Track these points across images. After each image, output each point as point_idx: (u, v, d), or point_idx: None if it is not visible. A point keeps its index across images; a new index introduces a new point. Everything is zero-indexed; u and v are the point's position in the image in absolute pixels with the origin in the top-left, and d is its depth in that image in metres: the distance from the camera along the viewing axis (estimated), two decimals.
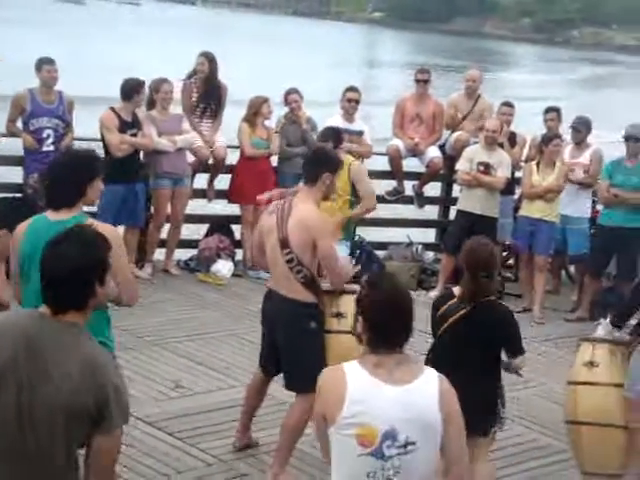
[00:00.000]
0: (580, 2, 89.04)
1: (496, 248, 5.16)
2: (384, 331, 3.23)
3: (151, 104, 9.15)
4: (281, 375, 5.67)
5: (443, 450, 3.24)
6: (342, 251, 8.02)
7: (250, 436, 5.90)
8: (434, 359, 5.01)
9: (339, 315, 5.58)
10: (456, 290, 5.04)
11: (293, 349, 5.42)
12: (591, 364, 5.47)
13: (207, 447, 5.85)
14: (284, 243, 5.34)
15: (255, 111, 9.50)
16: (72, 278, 3.07)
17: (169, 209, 9.27)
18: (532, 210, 9.36)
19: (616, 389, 5.39)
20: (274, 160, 9.81)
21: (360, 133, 9.89)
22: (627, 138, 9.14)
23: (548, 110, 10.11)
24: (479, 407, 4.94)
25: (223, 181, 9.94)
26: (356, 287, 5.84)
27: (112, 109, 8.76)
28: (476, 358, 4.95)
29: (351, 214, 7.86)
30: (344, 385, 3.20)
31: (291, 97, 9.78)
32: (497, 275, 5.12)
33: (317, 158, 5.64)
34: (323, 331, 5.49)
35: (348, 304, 5.57)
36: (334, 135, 7.60)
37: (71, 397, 3.01)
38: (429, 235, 11.28)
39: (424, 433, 3.18)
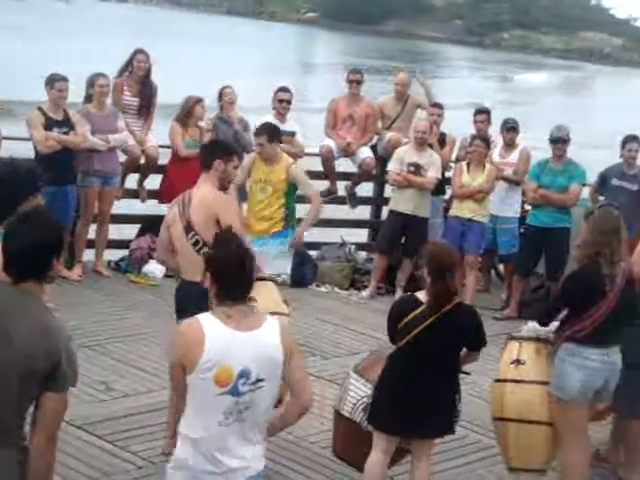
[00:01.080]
0: (509, 6, 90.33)
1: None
2: (230, 286, 3.70)
3: (88, 99, 9.07)
4: None
5: (288, 381, 3.78)
6: (280, 245, 8.22)
7: None
8: (397, 365, 5.04)
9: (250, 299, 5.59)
10: (421, 296, 5.06)
11: None
12: (518, 362, 5.56)
13: (138, 450, 5.81)
14: (188, 228, 5.45)
15: (188, 111, 9.47)
16: (34, 251, 3.40)
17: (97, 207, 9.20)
18: (462, 210, 9.48)
19: (542, 386, 5.49)
20: None
21: (292, 134, 9.92)
22: (552, 140, 9.33)
23: (478, 112, 10.25)
24: (448, 410, 5.03)
25: (156, 181, 9.87)
26: (267, 274, 5.96)
27: (39, 108, 8.67)
28: (445, 361, 5.02)
29: (309, 222, 8.40)
30: (202, 334, 3.63)
31: (226, 91, 9.76)
32: None
33: (209, 147, 6.05)
34: None
35: (260, 289, 5.60)
36: (268, 130, 7.72)
37: (27, 359, 3.28)
38: (362, 235, 11.36)
39: (271, 370, 3.69)
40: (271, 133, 7.78)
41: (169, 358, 3.92)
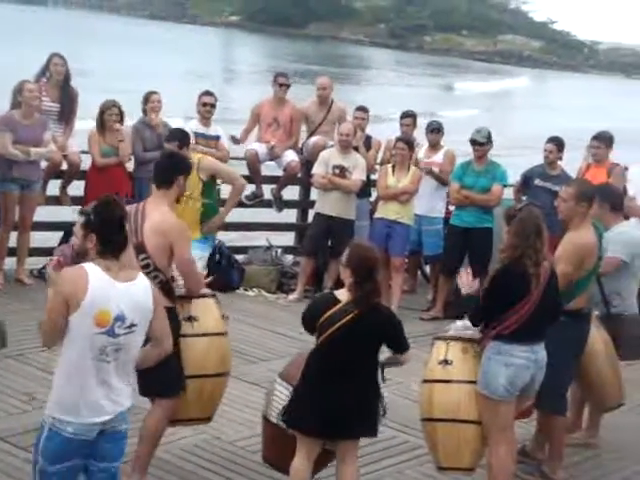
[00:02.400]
0: (431, 9, 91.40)
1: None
2: (111, 243, 4.15)
3: (16, 106, 8.85)
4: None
5: (153, 328, 4.27)
6: (205, 250, 8.06)
7: None
8: (317, 364, 5.03)
9: (191, 319, 5.57)
10: (340, 294, 5.06)
11: None
12: (445, 362, 5.60)
13: None
14: (140, 249, 5.30)
15: (104, 116, 9.32)
16: None
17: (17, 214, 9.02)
18: (387, 212, 9.55)
19: (469, 385, 5.54)
20: (131, 165, 9.67)
21: (217, 138, 9.87)
22: (471, 142, 9.46)
23: (404, 116, 10.35)
24: (369, 410, 5.03)
25: (79, 187, 9.72)
26: (207, 291, 5.90)
27: None
28: (364, 361, 5.03)
29: (228, 207, 8.05)
30: (87, 278, 4.08)
31: (152, 97, 9.66)
32: None
33: (170, 162, 5.70)
34: (178, 336, 5.46)
35: (200, 308, 5.59)
36: (180, 136, 7.60)
37: None
38: (288, 238, 11.36)
39: (142, 317, 4.18)
40: (182, 138, 7.64)
41: (51, 298, 4.24)
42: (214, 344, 5.66)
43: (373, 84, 46.73)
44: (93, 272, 4.10)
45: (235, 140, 10.52)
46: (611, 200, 6.75)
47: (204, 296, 5.73)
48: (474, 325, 5.61)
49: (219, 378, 5.74)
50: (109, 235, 4.14)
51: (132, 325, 4.13)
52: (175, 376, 5.44)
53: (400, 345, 5.17)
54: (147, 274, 5.27)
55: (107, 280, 4.09)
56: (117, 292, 4.09)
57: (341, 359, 4.98)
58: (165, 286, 5.36)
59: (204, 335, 5.60)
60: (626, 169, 9.77)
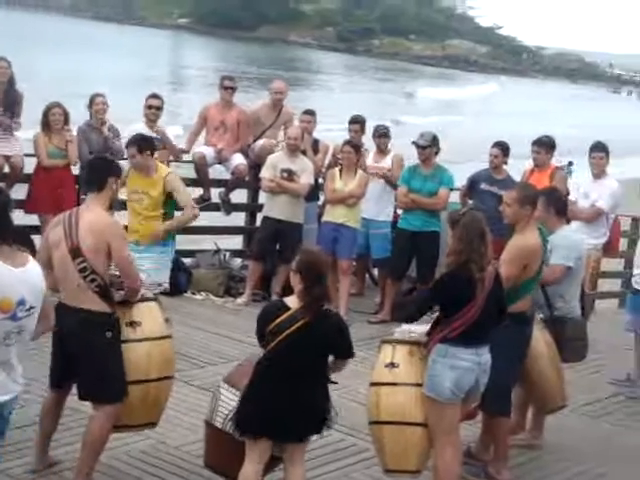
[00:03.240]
0: (379, 13, 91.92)
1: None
2: (1, 230, 4.19)
3: None
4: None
5: (43, 305, 4.36)
6: (159, 254, 8.02)
7: (49, 457, 5.74)
8: (266, 370, 5.02)
9: (134, 324, 5.54)
10: (290, 301, 5.06)
11: (90, 360, 5.36)
12: (392, 365, 5.63)
13: (6, 467, 5.61)
14: (76, 252, 5.29)
15: (48, 117, 9.22)
16: None
17: None
18: (335, 215, 9.58)
19: (416, 388, 5.58)
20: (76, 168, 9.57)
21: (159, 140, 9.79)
22: (415, 145, 9.54)
23: (352, 121, 10.38)
24: (316, 413, 5.04)
25: (22, 190, 9.59)
26: (150, 294, 5.88)
27: None
28: (313, 366, 5.03)
29: (173, 224, 8.00)
30: None
31: (98, 100, 9.58)
32: None
33: (100, 164, 5.76)
34: (120, 341, 5.44)
35: (143, 312, 5.57)
36: (137, 141, 7.62)
37: None
38: (236, 242, 11.34)
39: (38, 299, 4.29)
40: (141, 143, 7.63)
41: None
42: (157, 348, 5.63)
43: (329, 90, 46.76)
44: None
45: (183, 151, 10.43)
46: (556, 204, 6.84)
47: (146, 300, 5.71)
48: (411, 322, 5.65)
49: (163, 382, 5.71)
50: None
51: (31, 307, 4.23)
52: (117, 381, 5.41)
53: (346, 353, 5.18)
54: (84, 278, 5.27)
55: (5, 268, 4.12)
56: (15, 278, 4.15)
57: (290, 365, 4.98)
58: (103, 290, 5.35)
59: (147, 339, 5.57)
60: (570, 164, 9.92)
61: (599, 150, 9.46)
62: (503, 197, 6.40)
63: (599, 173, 9.46)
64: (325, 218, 9.72)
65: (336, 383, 5.34)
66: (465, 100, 49.08)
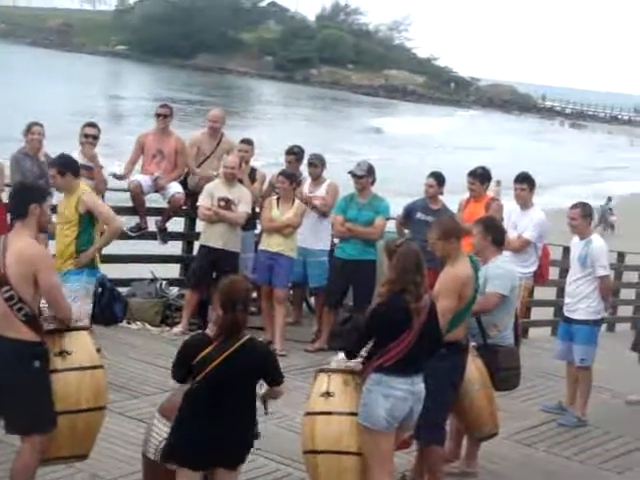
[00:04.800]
0: (317, 42, 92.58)
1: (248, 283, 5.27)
2: None
3: None
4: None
5: None
6: (86, 282, 7.83)
7: None
8: (194, 400, 5.00)
9: (63, 353, 5.48)
10: (210, 332, 5.07)
11: (16, 391, 5.28)
12: (327, 394, 5.66)
13: None
14: (2, 281, 5.24)
15: None
16: None
17: None
18: (271, 244, 9.59)
19: (351, 417, 5.61)
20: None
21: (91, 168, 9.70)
22: (352, 175, 9.63)
23: (288, 152, 10.43)
24: (244, 440, 5.02)
25: None
26: (84, 323, 5.82)
27: None
28: (241, 395, 5.03)
29: (99, 244, 7.77)
30: None
31: (35, 128, 9.48)
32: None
33: (21, 191, 5.68)
34: (48, 370, 5.38)
35: (73, 341, 5.51)
36: (59, 162, 7.52)
37: None
38: (173, 271, 11.26)
39: None
40: (63, 165, 7.52)
41: None
42: (88, 378, 5.56)
43: (270, 120, 46.70)
44: None
45: (116, 176, 10.40)
46: (494, 234, 6.95)
47: (77, 329, 5.65)
48: (351, 357, 5.69)
49: (94, 413, 5.63)
50: None
51: None
52: (45, 411, 5.34)
53: (275, 378, 5.21)
54: (11, 306, 5.21)
55: None
56: None
57: (217, 395, 4.98)
58: (31, 319, 5.30)
59: (77, 369, 5.51)
60: (498, 183, 10.10)
61: (521, 182, 9.65)
62: (428, 236, 6.48)
63: (523, 204, 9.65)
64: (261, 247, 9.74)
65: (268, 413, 5.34)
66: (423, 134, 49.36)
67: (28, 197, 5.48)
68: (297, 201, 9.67)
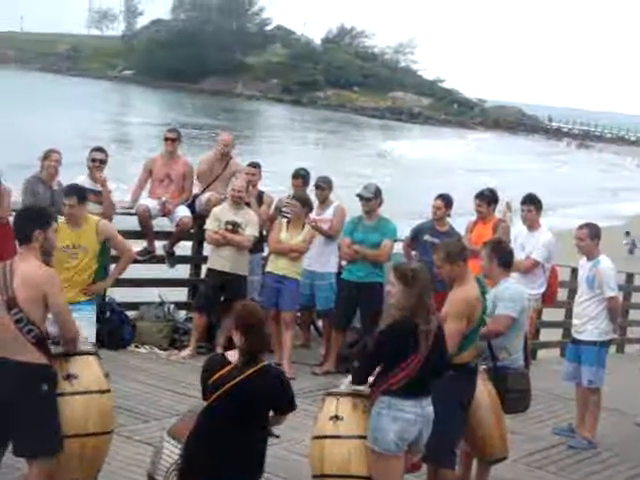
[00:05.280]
0: (323, 66, 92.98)
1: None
2: None
3: None
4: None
5: None
6: (90, 311, 7.86)
7: None
8: (207, 422, 5.01)
9: (70, 377, 5.49)
10: (230, 355, 5.08)
11: (25, 413, 5.29)
12: (336, 418, 5.65)
13: None
14: (11, 304, 5.27)
15: None
16: None
17: None
18: (277, 267, 9.60)
19: (360, 441, 5.59)
20: None
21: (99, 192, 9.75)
22: (360, 197, 9.64)
23: (295, 176, 10.45)
24: (255, 462, 5.03)
25: None
26: (90, 348, 5.83)
27: None
28: (253, 419, 5.03)
29: (117, 273, 7.87)
30: None
31: (53, 156, 9.49)
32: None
33: (25, 217, 5.70)
34: (56, 393, 5.39)
35: (80, 365, 5.52)
36: (78, 191, 7.55)
37: None
38: (181, 294, 11.27)
39: None
40: (82, 194, 7.59)
41: None
42: (95, 402, 5.58)
43: (279, 143, 46.68)
44: None
45: (125, 207, 10.41)
46: (501, 256, 6.94)
47: (85, 353, 5.66)
48: (357, 384, 5.68)
49: (101, 437, 5.64)
50: None
51: None
52: (52, 435, 5.34)
53: (287, 408, 5.20)
54: (21, 329, 5.23)
55: None
56: None
57: (230, 418, 4.99)
58: (40, 341, 5.32)
59: (84, 393, 5.52)
60: (508, 205, 10.11)
61: (528, 203, 9.66)
62: (434, 260, 6.47)
63: (531, 225, 9.66)
64: (268, 269, 9.74)
65: (278, 437, 5.33)
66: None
67: (32, 223, 5.50)
68: (307, 226, 9.65)
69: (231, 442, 4.98)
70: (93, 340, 7.86)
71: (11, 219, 9.30)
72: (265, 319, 5.30)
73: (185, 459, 5.10)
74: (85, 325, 7.66)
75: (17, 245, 7.79)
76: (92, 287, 7.70)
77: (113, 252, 8.39)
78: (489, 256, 6.84)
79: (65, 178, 9.76)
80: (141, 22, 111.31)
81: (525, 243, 9.57)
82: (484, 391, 6.58)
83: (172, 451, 5.27)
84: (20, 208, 6.60)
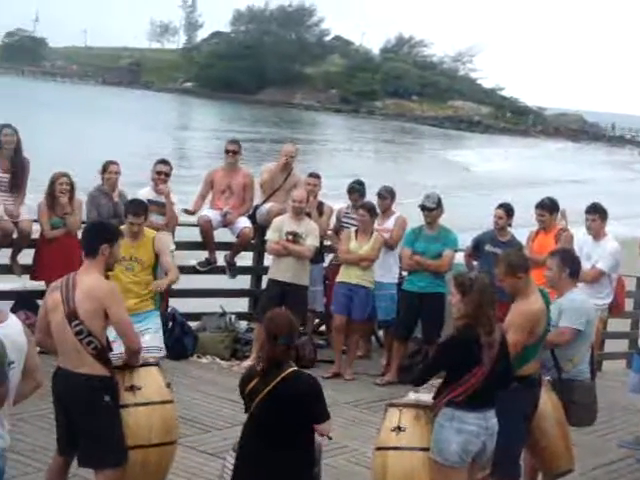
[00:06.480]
0: (381, 75, 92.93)
1: (294, 316, 5.26)
2: None
3: None
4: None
5: (27, 364, 4.46)
6: (154, 322, 7.97)
7: None
8: (248, 434, 5.03)
9: (133, 388, 5.54)
10: (260, 366, 5.10)
11: (89, 425, 5.35)
12: (398, 429, 5.61)
13: None
14: (72, 316, 5.33)
15: (53, 187, 9.30)
16: None
17: None
18: (350, 276, 9.61)
19: (423, 452, 5.55)
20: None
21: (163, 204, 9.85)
22: (422, 208, 9.59)
23: (350, 191, 10.42)
24: (303, 475, 5.00)
25: (30, 255, 9.63)
26: (152, 360, 5.88)
27: None
28: (290, 429, 5.01)
29: (165, 281, 7.92)
30: None
31: (111, 167, 9.65)
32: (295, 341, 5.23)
33: (94, 231, 5.80)
34: (118, 405, 5.44)
35: (143, 377, 5.57)
36: (145, 210, 7.69)
37: None
38: (242, 304, 11.33)
39: (18, 355, 4.36)
40: (145, 208, 7.74)
41: None
42: (158, 413, 5.62)
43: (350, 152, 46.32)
44: None
45: (187, 212, 10.57)
46: (571, 266, 6.82)
47: (147, 364, 5.72)
48: (417, 385, 5.64)
49: (165, 447, 5.67)
50: None
51: (10, 363, 4.25)
52: (117, 446, 5.40)
53: (320, 418, 5.10)
54: (81, 340, 5.30)
55: None
56: None
57: (266, 429, 4.98)
58: (100, 352, 5.38)
59: (147, 404, 5.56)
60: (564, 211, 9.97)
61: (593, 212, 9.52)
62: (495, 273, 6.39)
63: (596, 234, 9.51)
64: (339, 279, 9.73)
65: (331, 438, 5.27)
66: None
67: (100, 237, 5.57)
68: (375, 234, 9.65)
69: (268, 455, 4.98)
70: (163, 346, 7.98)
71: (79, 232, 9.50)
72: (297, 329, 5.26)
73: (234, 472, 5.12)
74: (152, 335, 7.79)
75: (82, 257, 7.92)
76: (155, 284, 7.81)
77: None
78: (559, 266, 6.71)
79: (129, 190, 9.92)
80: (201, 35, 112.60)
81: (591, 252, 9.42)
82: (548, 402, 6.48)
83: (232, 463, 5.28)
84: (89, 222, 6.71)
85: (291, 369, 5.04)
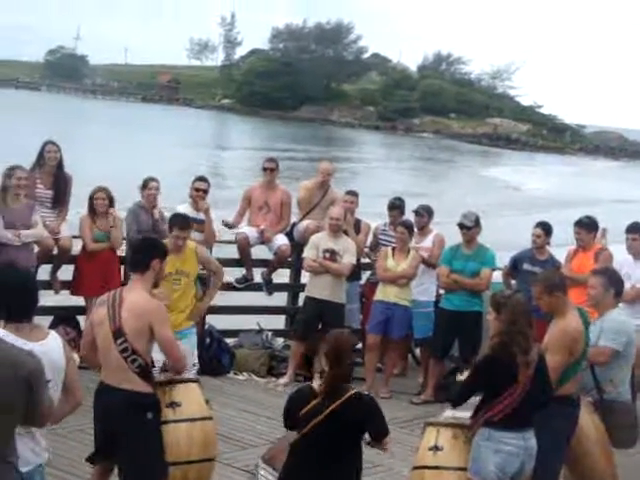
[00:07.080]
0: (419, 93, 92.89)
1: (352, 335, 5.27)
2: (15, 309, 4.38)
3: (3, 190, 8.88)
4: None
5: (68, 381, 4.47)
6: (191, 339, 8.03)
7: None
8: (299, 453, 5.02)
9: (173, 404, 5.56)
10: (315, 385, 5.08)
11: (130, 440, 5.39)
12: (436, 448, 5.59)
13: None
14: (118, 333, 5.36)
15: (93, 201, 9.43)
16: None
17: None
18: (387, 294, 9.60)
19: (460, 472, 5.52)
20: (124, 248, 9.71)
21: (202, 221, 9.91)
22: (460, 226, 9.56)
23: (391, 207, 10.41)
24: None
25: (69, 271, 9.74)
26: (192, 376, 5.90)
27: None
28: (345, 449, 5.01)
29: (213, 295, 8.13)
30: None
31: (151, 184, 9.74)
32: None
33: (146, 246, 5.83)
34: (160, 422, 5.46)
35: (183, 393, 5.59)
36: (189, 224, 7.78)
37: None
38: (279, 322, 11.33)
39: (55, 373, 4.37)
40: (190, 225, 7.87)
41: None
42: (197, 429, 5.65)
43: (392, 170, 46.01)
44: (5, 337, 4.24)
45: (228, 225, 10.64)
46: (616, 286, 6.76)
47: (187, 381, 5.74)
48: (455, 406, 5.61)
49: (204, 464, 5.70)
50: (10, 302, 4.35)
51: (47, 381, 4.25)
52: (157, 462, 5.43)
53: (381, 435, 5.12)
54: (125, 358, 5.32)
55: (20, 342, 4.21)
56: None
57: (322, 450, 4.97)
58: (144, 370, 5.41)
59: (187, 420, 5.59)
60: (604, 230, 9.87)
61: (633, 231, 9.42)
62: (533, 292, 6.34)
63: (637, 254, 9.40)
64: (377, 297, 9.72)
65: (368, 443, 5.25)
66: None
67: (152, 252, 5.60)
68: (412, 252, 9.64)
69: (321, 475, 4.97)
70: (196, 361, 8.04)
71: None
72: (350, 348, 5.25)
73: None
74: (188, 350, 7.83)
75: (125, 272, 8.00)
76: (194, 313, 7.91)
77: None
78: (605, 285, 6.64)
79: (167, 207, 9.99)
80: (240, 52, 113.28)
81: (631, 272, 9.32)
82: (590, 423, 6.41)
83: (267, 478, 5.28)
84: (139, 237, 6.76)
85: (353, 391, 5.03)
